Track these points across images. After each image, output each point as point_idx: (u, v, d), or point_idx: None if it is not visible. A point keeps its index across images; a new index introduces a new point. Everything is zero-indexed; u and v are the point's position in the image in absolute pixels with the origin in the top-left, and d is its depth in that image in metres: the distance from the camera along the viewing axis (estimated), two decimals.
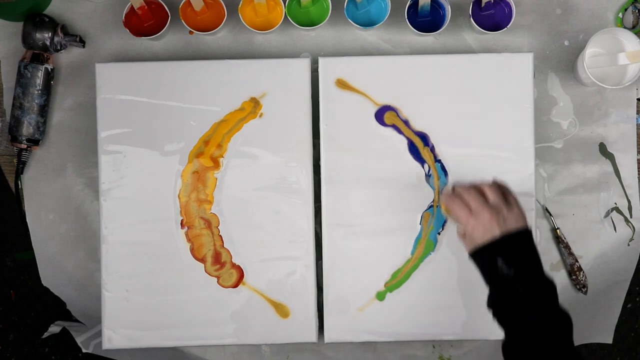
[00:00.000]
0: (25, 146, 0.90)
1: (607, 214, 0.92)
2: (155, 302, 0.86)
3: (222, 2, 0.88)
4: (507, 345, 0.70)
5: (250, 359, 0.93)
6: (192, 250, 0.87)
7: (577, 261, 0.91)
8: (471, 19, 0.87)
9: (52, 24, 0.90)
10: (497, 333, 0.74)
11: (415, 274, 0.86)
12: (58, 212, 0.93)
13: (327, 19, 0.88)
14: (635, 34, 0.88)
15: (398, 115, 0.86)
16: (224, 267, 0.87)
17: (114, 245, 0.86)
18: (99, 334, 0.90)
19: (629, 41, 0.87)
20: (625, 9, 0.93)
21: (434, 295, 0.86)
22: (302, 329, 0.86)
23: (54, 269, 0.93)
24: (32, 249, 0.93)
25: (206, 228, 0.87)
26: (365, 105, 0.86)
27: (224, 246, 0.87)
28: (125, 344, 0.86)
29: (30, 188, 0.93)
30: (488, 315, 0.73)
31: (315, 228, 0.87)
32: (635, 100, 0.93)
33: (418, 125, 0.86)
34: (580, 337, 0.91)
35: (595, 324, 0.92)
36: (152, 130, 0.87)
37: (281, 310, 0.86)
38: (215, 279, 0.87)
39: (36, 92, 0.89)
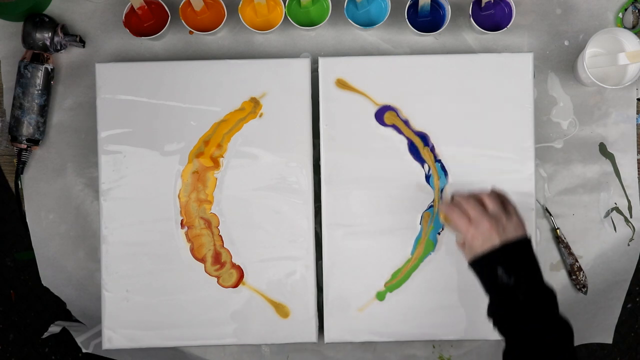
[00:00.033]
0: (25, 146, 0.90)
1: (607, 214, 0.92)
2: (155, 302, 0.86)
3: (222, 2, 0.88)
4: (507, 354, 0.71)
5: (250, 359, 0.93)
6: (192, 250, 0.87)
7: (577, 261, 0.91)
8: (471, 19, 0.87)
9: (52, 24, 0.90)
10: (497, 333, 0.74)
11: (415, 274, 0.86)
12: (58, 212, 0.93)
13: (327, 19, 0.88)
14: (635, 34, 0.88)
15: (398, 115, 0.86)
16: (224, 267, 0.87)
17: (114, 245, 0.86)
18: (99, 334, 0.90)
19: (629, 41, 0.87)
20: (625, 9, 0.93)
21: (434, 295, 0.86)
22: (302, 329, 0.86)
23: (54, 269, 0.93)
24: (32, 249, 0.93)
25: (206, 228, 0.87)
26: (365, 105, 0.86)
27: (224, 246, 0.87)
28: (125, 344, 0.86)
29: (30, 188, 0.93)
30: None
31: (315, 228, 0.87)
32: (635, 100, 0.93)
33: (418, 125, 0.86)
34: (580, 337, 0.90)
35: (595, 324, 0.92)
36: (152, 130, 0.87)
37: (281, 310, 0.86)
38: (215, 279, 0.87)
39: (36, 92, 0.89)
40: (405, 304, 0.86)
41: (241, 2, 0.87)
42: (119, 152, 0.87)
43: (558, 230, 0.92)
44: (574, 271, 0.91)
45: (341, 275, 0.86)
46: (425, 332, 0.86)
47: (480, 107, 0.86)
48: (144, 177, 0.87)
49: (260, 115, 0.87)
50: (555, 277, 0.92)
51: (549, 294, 0.71)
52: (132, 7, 0.88)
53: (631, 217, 0.92)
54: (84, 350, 0.89)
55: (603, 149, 0.92)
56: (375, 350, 0.93)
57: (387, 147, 0.86)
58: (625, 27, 0.93)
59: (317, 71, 0.87)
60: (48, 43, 0.89)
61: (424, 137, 0.86)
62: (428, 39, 0.92)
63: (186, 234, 0.87)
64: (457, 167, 0.86)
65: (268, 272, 0.86)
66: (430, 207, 0.86)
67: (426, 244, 0.86)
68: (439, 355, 0.93)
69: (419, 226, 0.86)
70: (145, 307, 0.86)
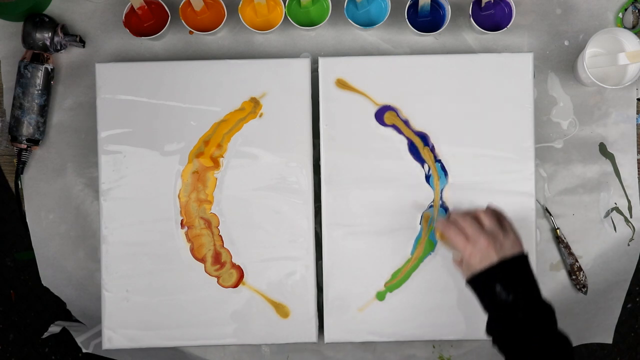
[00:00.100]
0: (25, 146, 0.90)
1: (607, 214, 0.92)
2: (155, 302, 0.86)
3: (222, 2, 0.88)
4: None
5: (250, 359, 0.93)
6: (192, 250, 0.87)
7: (577, 261, 0.91)
8: (471, 19, 0.87)
9: (52, 24, 0.90)
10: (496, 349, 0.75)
11: (415, 274, 0.86)
12: (58, 212, 0.93)
13: (327, 19, 0.88)
14: (635, 34, 0.88)
15: (398, 115, 0.86)
16: (224, 267, 0.87)
17: (114, 245, 0.86)
18: (99, 334, 0.90)
19: (629, 41, 0.87)
20: (625, 9, 0.93)
21: (434, 295, 0.86)
22: (302, 329, 0.86)
23: (54, 269, 0.93)
24: (32, 249, 0.93)
25: (206, 228, 0.87)
26: (365, 105, 0.86)
27: (224, 246, 0.87)
28: (125, 344, 0.86)
29: (30, 188, 0.93)
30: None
31: (315, 228, 0.87)
32: (635, 100, 0.93)
33: (418, 125, 0.86)
34: (580, 337, 0.91)
35: (595, 324, 0.92)
36: (152, 130, 0.87)
37: (281, 310, 0.86)
38: (215, 279, 0.87)
39: (36, 92, 0.89)
40: (405, 304, 0.86)
41: (241, 2, 0.87)
42: (119, 152, 0.87)
43: (558, 230, 0.92)
44: (574, 271, 0.91)
45: (341, 275, 0.86)
46: (425, 332, 0.86)
47: (480, 107, 0.86)
48: (144, 177, 0.87)
49: (260, 115, 0.87)
50: (555, 277, 0.92)
51: (548, 310, 0.72)
52: (132, 7, 0.88)
53: (631, 217, 0.92)
54: (84, 350, 0.89)
55: (603, 149, 0.92)
56: (375, 350, 0.93)
57: (387, 147, 0.86)
58: (625, 27, 0.93)
59: (317, 71, 0.87)
60: (48, 43, 0.89)
61: (424, 137, 0.86)
62: (428, 39, 0.92)
63: (186, 234, 0.87)
64: (457, 167, 0.86)
65: (268, 272, 0.86)
66: (430, 207, 0.86)
67: (426, 244, 0.86)
68: (439, 355, 0.93)
69: (419, 226, 0.86)
70: (145, 307, 0.86)
